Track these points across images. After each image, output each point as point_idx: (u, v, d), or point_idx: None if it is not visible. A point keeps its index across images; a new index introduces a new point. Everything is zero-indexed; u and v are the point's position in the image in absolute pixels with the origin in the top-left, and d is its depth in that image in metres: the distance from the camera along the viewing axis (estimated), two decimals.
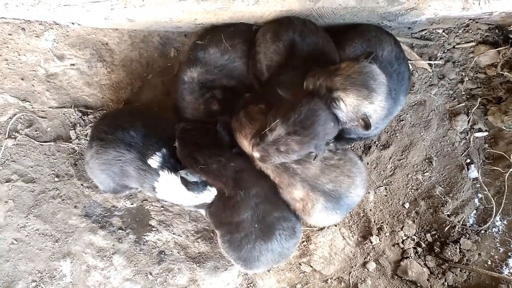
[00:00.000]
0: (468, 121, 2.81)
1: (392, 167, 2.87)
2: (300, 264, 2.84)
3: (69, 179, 2.89)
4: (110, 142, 2.35)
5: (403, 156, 2.86)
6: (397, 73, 2.35)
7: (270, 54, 2.39)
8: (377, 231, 2.83)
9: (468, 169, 2.81)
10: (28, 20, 2.82)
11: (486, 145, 2.82)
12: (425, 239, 2.81)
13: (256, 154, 2.07)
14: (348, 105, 1.98)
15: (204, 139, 2.33)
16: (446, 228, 2.79)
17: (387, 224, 2.84)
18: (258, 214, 2.29)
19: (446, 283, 2.71)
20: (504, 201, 2.74)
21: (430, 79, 2.86)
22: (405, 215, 2.84)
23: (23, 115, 2.88)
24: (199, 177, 2.30)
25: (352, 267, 2.83)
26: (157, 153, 2.33)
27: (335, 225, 2.84)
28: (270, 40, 2.39)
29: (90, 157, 2.43)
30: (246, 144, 2.27)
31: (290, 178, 2.28)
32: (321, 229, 2.84)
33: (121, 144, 2.33)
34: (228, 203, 2.31)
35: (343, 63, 2.01)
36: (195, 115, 2.54)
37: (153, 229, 2.88)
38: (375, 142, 2.91)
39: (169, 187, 2.37)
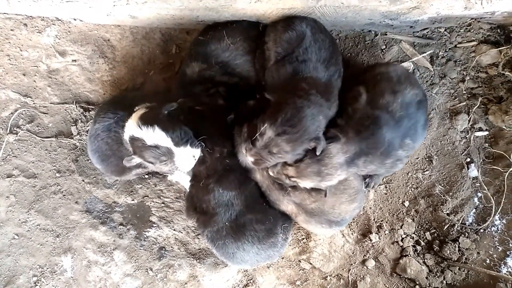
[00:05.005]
0: (469, 120, 2.81)
1: None
2: (299, 261, 2.85)
3: (70, 174, 2.90)
4: None
5: None
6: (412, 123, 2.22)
7: (281, 41, 2.35)
8: (376, 229, 2.84)
9: (468, 168, 2.81)
10: (30, 16, 2.82)
11: (486, 144, 2.82)
12: (425, 237, 2.82)
13: (250, 159, 2.11)
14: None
15: (212, 126, 2.35)
16: (446, 227, 2.80)
17: (386, 222, 2.85)
18: (231, 213, 2.35)
19: (444, 281, 2.72)
20: (503, 200, 2.74)
21: (432, 78, 2.86)
22: (404, 214, 2.85)
23: (24, 110, 2.88)
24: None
25: (352, 264, 2.84)
26: None
27: None
28: (282, 29, 2.37)
29: None
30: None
31: (279, 195, 2.41)
32: None
33: None
34: (201, 190, 2.37)
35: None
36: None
37: (154, 225, 2.89)
38: None
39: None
